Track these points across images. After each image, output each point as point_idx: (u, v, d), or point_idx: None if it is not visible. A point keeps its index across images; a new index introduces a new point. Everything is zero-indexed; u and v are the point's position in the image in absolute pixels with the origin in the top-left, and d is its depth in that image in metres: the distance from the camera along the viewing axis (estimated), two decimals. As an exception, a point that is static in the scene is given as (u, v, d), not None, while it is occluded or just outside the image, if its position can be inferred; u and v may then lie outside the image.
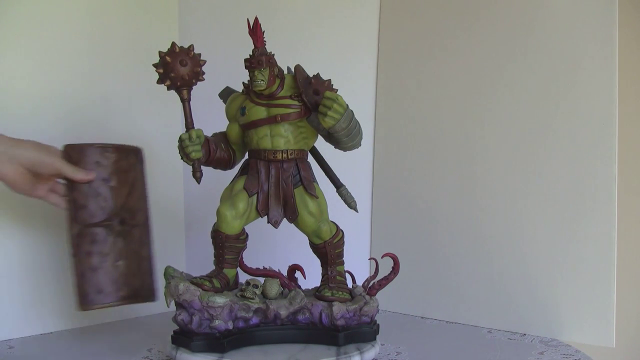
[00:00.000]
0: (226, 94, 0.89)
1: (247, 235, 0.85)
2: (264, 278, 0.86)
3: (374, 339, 0.84)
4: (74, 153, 0.84)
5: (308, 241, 0.86)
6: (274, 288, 0.84)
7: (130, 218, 0.85)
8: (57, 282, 1.00)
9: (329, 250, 0.85)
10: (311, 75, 0.82)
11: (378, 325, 0.86)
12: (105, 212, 0.84)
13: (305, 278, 0.89)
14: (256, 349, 0.81)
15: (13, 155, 0.79)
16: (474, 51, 1.09)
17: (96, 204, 0.84)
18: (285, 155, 0.82)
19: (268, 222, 0.83)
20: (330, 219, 0.86)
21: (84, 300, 0.80)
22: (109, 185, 0.85)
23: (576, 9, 0.99)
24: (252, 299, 0.81)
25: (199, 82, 0.81)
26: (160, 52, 0.80)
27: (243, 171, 0.85)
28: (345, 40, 1.23)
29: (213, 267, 0.85)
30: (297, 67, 0.84)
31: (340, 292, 0.84)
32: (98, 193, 0.84)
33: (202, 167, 0.84)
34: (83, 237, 0.83)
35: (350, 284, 0.88)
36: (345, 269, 0.88)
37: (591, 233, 0.96)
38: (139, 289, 0.84)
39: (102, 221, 0.84)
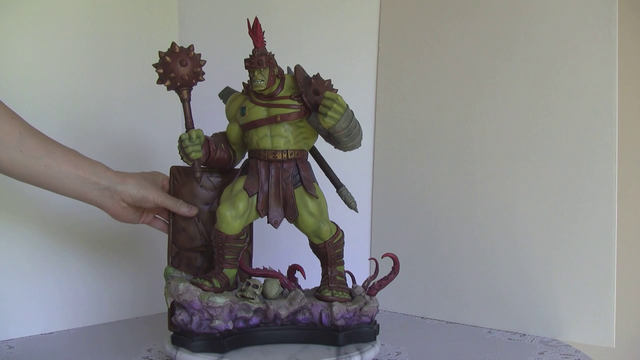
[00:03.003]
0: (226, 94, 0.89)
1: (248, 235, 0.85)
2: (264, 278, 0.86)
3: (374, 339, 0.84)
4: (179, 175, 0.87)
5: (308, 241, 0.86)
6: (274, 288, 0.84)
7: None
8: (57, 282, 1.00)
9: (329, 250, 0.85)
10: (311, 75, 0.82)
11: (378, 325, 0.86)
12: (204, 238, 0.86)
13: (305, 278, 0.89)
14: (256, 349, 0.81)
15: (115, 192, 0.82)
16: (474, 51, 1.09)
17: (195, 228, 0.86)
18: (285, 156, 0.82)
19: (268, 222, 0.83)
20: (330, 219, 0.86)
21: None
22: (210, 211, 0.86)
23: (576, 9, 0.99)
24: (252, 299, 0.81)
25: (199, 82, 0.82)
26: (160, 52, 0.80)
27: (243, 171, 0.84)
28: (345, 39, 1.23)
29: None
30: (297, 67, 0.84)
31: (340, 292, 0.84)
32: (198, 218, 0.86)
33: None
34: (180, 259, 0.86)
35: (350, 284, 0.88)
36: (345, 269, 0.88)
37: (591, 233, 0.96)
38: None
39: (199, 247, 0.87)
